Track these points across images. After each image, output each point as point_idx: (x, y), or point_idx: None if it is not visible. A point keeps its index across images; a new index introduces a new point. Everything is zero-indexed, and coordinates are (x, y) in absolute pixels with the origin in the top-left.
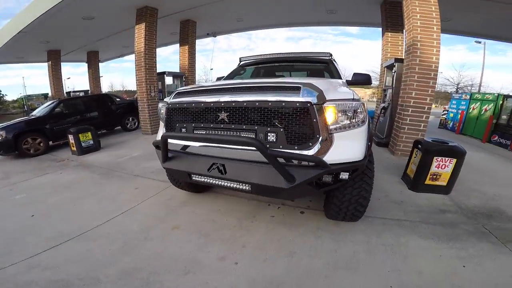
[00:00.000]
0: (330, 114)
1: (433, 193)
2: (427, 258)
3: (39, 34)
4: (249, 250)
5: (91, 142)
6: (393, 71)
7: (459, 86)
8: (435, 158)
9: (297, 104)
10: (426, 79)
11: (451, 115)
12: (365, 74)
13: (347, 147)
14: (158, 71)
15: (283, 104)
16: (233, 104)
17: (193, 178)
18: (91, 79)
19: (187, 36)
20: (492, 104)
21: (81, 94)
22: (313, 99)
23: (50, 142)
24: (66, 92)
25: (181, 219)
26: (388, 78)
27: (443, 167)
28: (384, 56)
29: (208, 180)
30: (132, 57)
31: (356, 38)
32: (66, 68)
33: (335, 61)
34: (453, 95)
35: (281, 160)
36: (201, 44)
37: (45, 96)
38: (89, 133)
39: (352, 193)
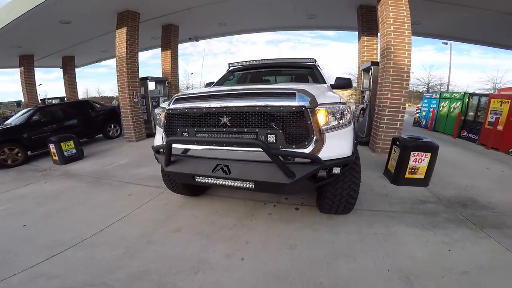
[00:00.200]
0: (321, 117)
1: (413, 186)
2: (416, 244)
3: (11, 39)
4: (253, 246)
5: (74, 151)
6: (370, 73)
7: (429, 86)
8: (412, 153)
9: (294, 108)
10: (400, 81)
11: (424, 113)
12: (347, 78)
13: (337, 145)
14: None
15: (281, 108)
16: (235, 109)
17: (197, 179)
18: (67, 85)
19: (169, 40)
20: (460, 102)
21: (57, 101)
22: (306, 103)
23: (29, 152)
24: (41, 99)
25: (181, 222)
26: (366, 81)
27: (419, 161)
28: (361, 59)
29: (212, 181)
30: (108, 62)
31: (333, 40)
32: (38, 74)
33: (319, 66)
34: (424, 94)
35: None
36: (180, 48)
37: (18, 103)
38: (71, 141)
39: (343, 186)
